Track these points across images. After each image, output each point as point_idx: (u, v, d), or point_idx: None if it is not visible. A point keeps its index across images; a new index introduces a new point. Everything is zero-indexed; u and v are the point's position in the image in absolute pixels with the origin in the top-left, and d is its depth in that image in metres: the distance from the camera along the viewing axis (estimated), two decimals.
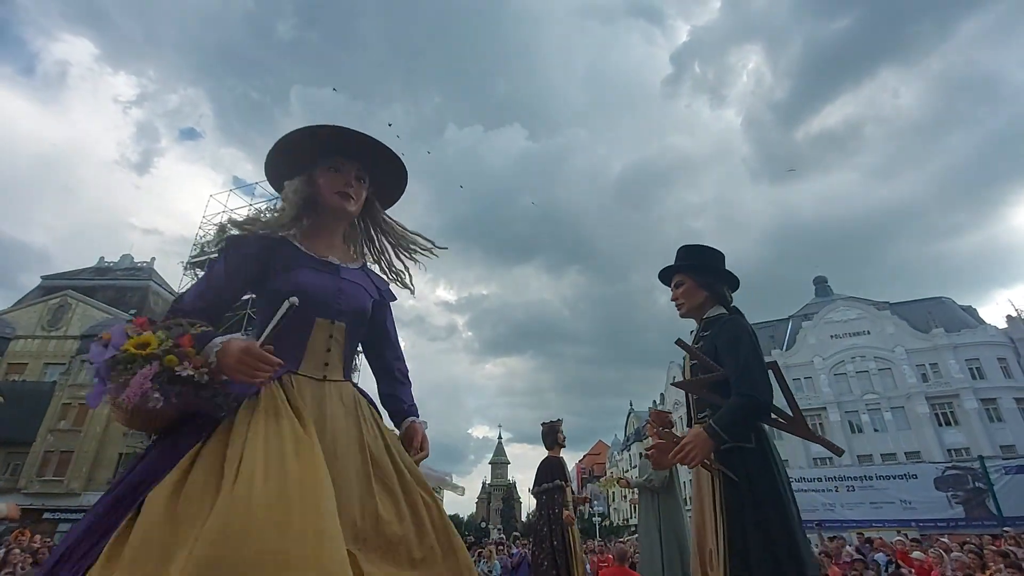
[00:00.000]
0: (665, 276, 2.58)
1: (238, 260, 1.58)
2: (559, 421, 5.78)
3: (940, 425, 30.73)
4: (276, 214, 1.69)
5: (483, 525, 71.40)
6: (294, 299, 1.32)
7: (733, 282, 2.47)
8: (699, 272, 2.46)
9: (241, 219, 1.66)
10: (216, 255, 1.63)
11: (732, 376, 2.06)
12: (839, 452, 2.40)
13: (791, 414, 2.12)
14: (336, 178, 1.72)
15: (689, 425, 2.35)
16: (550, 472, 5.43)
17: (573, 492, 5.52)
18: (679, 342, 2.29)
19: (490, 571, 11.22)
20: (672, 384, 2.36)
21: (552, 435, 5.66)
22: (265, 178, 1.80)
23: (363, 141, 1.72)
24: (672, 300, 2.51)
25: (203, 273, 1.63)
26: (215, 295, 1.55)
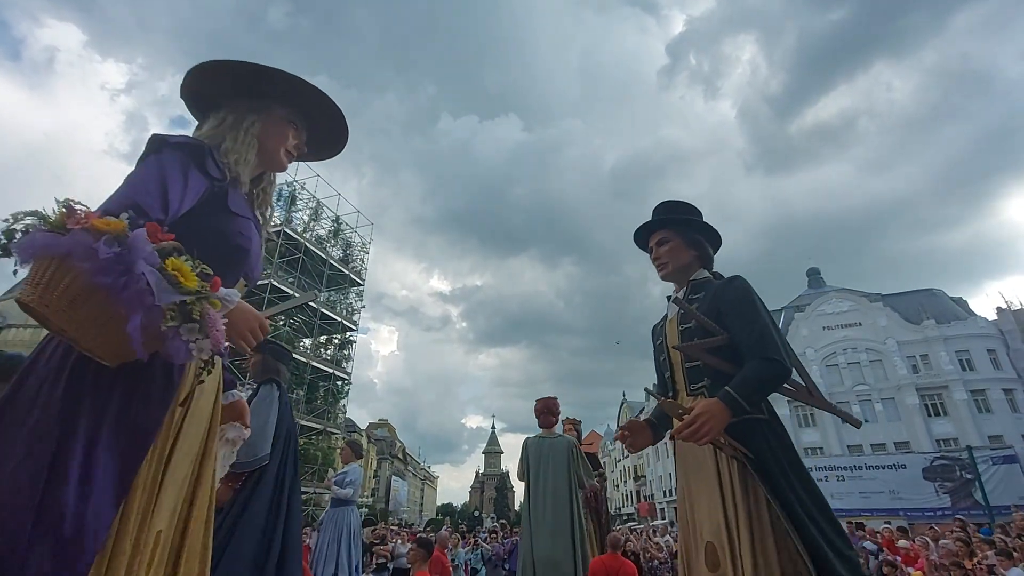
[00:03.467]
0: (644, 235, 2.28)
1: (197, 178, 1.32)
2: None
3: (930, 416, 31.07)
4: (235, 143, 1.48)
5: (476, 514, 71.84)
6: (317, 293, 1.23)
7: (717, 242, 2.23)
8: (686, 228, 2.18)
9: (184, 137, 1.39)
10: (160, 154, 1.29)
11: (748, 339, 1.81)
12: (857, 424, 2.16)
13: (803, 383, 1.91)
14: (293, 135, 1.62)
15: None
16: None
17: None
18: (675, 299, 2.10)
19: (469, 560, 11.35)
20: (672, 347, 2.03)
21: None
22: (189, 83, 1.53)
23: (329, 110, 1.65)
24: (654, 260, 2.20)
25: (146, 174, 1.25)
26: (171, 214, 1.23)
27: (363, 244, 32.79)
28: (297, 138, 1.64)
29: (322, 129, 1.72)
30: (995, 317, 32.77)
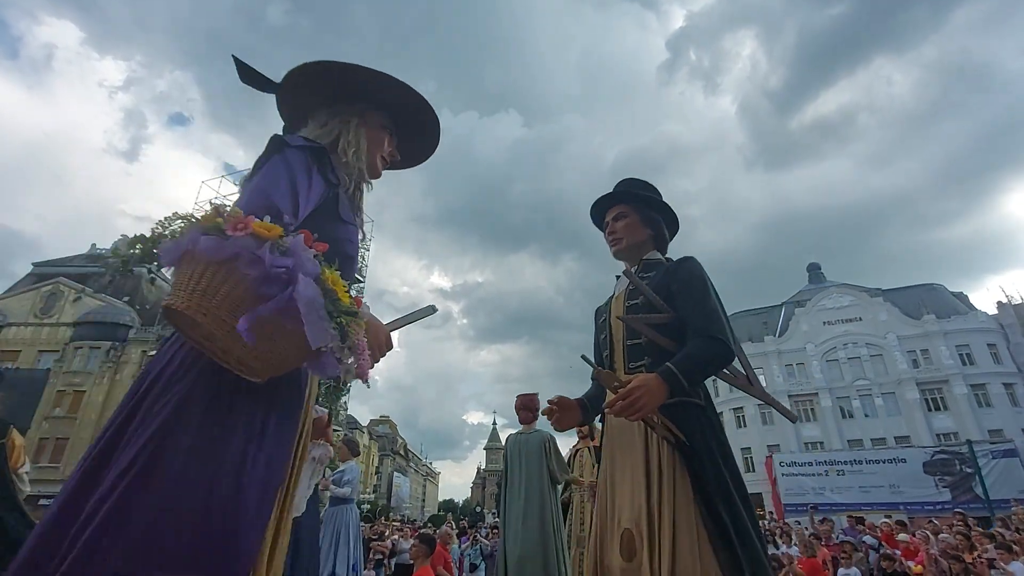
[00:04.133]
0: (601, 209, 2.20)
1: (318, 181, 1.28)
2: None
3: (930, 410, 31.12)
4: (348, 147, 1.44)
5: (478, 510, 72.00)
6: (435, 308, 1.22)
7: (675, 227, 2.18)
8: (647, 207, 2.11)
9: (304, 139, 1.34)
10: (286, 155, 1.25)
11: (695, 317, 1.76)
12: (793, 418, 2.13)
13: (743, 372, 1.87)
14: (388, 142, 1.57)
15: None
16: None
17: None
18: (626, 272, 2.04)
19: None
20: (617, 317, 1.95)
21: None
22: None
23: (424, 119, 1.59)
24: (608, 234, 2.13)
25: (276, 174, 1.21)
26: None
27: (363, 241, 32.76)
28: (391, 145, 1.58)
29: (411, 138, 1.66)
30: (995, 311, 32.78)
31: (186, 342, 1.08)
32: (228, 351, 0.98)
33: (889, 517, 11.51)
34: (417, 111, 1.58)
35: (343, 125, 1.47)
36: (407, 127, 1.62)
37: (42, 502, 25.17)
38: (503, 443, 4.69)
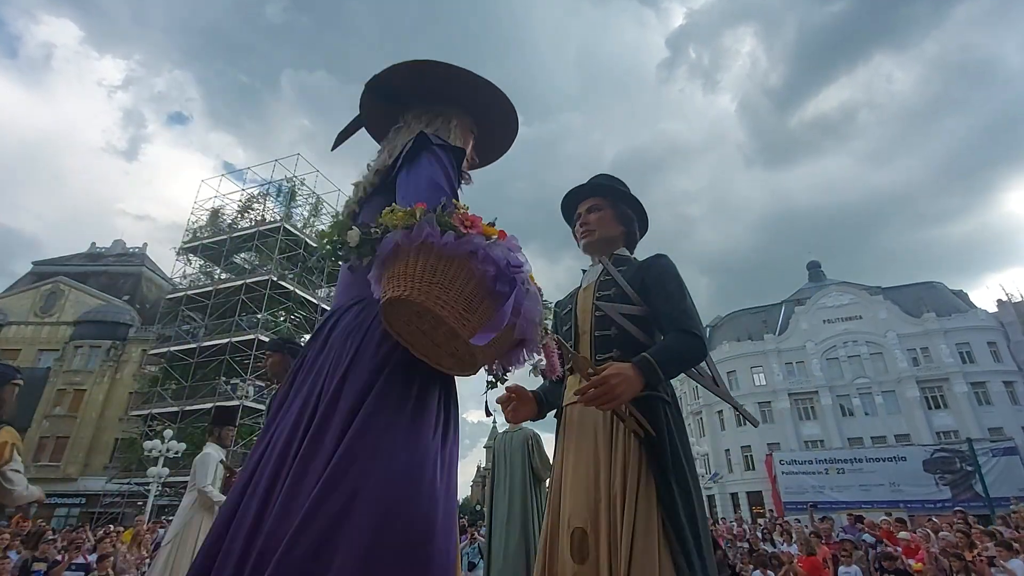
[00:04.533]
0: (573, 201, 2.16)
1: (456, 182, 1.31)
2: None
3: (930, 408, 31.12)
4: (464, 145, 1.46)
5: (478, 508, 72.10)
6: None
7: (645, 227, 2.17)
8: (622, 202, 2.08)
9: (441, 139, 1.36)
10: (433, 158, 1.26)
11: (672, 312, 1.73)
12: (755, 423, 2.14)
13: (709, 372, 1.87)
14: (472, 145, 1.59)
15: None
16: None
17: None
18: (602, 260, 2.02)
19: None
20: (595, 302, 1.92)
21: None
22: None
23: (508, 126, 1.62)
24: (580, 225, 2.08)
25: (437, 172, 1.24)
26: None
27: None
28: (473, 149, 1.59)
29: (487, 140, 1.67)
30: (995, 309, 32.79)
31: (363, 335, 1.08)
32: (444, 346, 1.00)
33: (889, 515, 11.50)
34: (503, 124, 1.62)
35: (444, 124, 1.48)
36: (487, 135, 1.64)
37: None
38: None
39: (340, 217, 1.31)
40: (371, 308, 1.14)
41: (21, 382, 2.87)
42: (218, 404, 20.83)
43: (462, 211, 1.00)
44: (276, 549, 0.84)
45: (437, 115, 1.50)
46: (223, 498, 3.87)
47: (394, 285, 0.96)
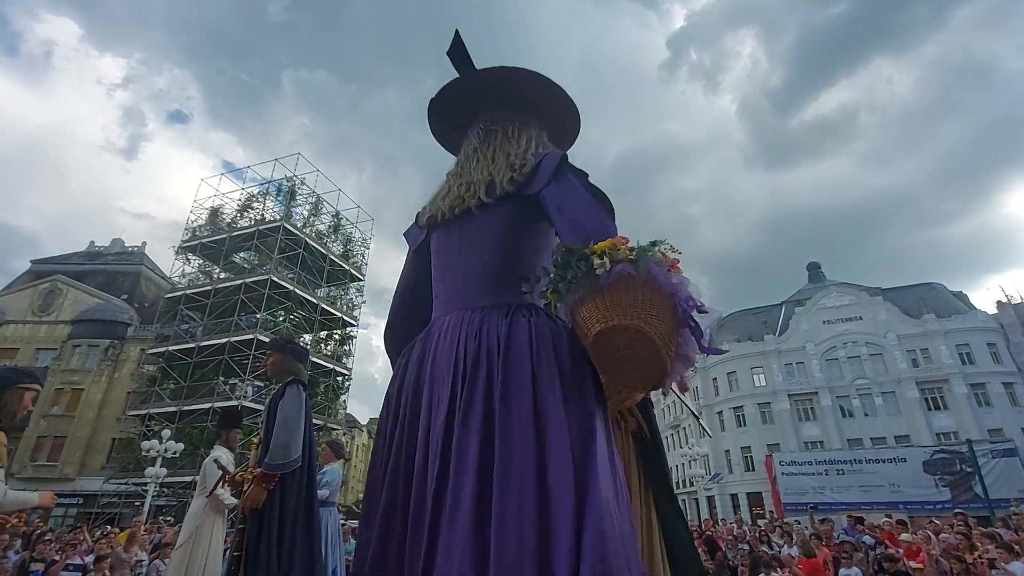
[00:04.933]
0: None
1: None
2: None
3: (930, 410, 31.12)
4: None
5: None
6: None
7: None
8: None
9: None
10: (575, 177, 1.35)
11: None
12: (709, 435, 2.14)
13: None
14: None
15: None
16: None
17: None
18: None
19: None
20: None
21: None
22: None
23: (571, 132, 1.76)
24: None
25: (585, 193, 1.31)
26: None
27: (363, 239, 32.70)
28: None
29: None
30: (995, 311, 32.80)
31: (553, 349, 1.16)
32: (631, 374, 1.11)
33: (889, 517, 11.48)
34: (566, 136, 1.68)
35: (523, 131, 1.52)
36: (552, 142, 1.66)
37: None
38: None
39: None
40: (539, 316, 1.24)
41: (36, 387, 2.54)
42: (217, 404, 20.81)
43: (662, 249, 1.09)
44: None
45: (524, 124, 1.53)
46: (234, 501, 3.86)
47: (620, 314, 1.04)
